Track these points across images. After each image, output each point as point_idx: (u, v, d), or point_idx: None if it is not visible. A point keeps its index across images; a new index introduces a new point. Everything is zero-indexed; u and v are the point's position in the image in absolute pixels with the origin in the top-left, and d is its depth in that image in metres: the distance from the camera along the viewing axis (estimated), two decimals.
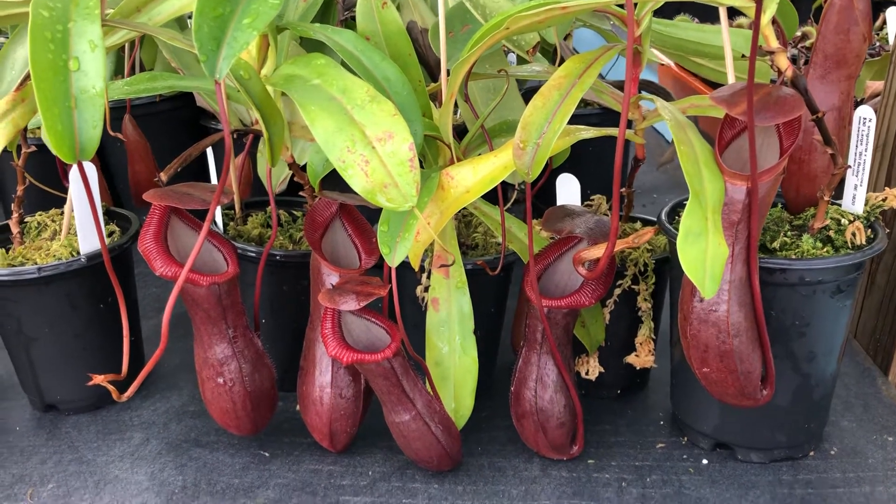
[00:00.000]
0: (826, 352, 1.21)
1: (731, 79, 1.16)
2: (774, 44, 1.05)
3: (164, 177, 1.12)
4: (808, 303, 1.16)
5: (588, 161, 1.64)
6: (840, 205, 1.27)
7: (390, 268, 1.06)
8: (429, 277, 1.27)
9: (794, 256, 1.17)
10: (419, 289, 1.30)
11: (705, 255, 0.94)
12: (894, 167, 1.52)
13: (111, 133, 1.52)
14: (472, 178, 1.11)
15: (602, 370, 1.34)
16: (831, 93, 1.22)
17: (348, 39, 1.11)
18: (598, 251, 1.08)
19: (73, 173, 1.29)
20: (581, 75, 1.07)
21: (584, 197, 1.38)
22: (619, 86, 1.97)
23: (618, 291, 1.33)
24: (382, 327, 1.12)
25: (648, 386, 1.47)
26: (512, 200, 1.42)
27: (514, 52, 1.60)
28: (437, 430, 1.16)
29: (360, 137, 0.93)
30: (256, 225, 1.39)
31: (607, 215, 1.42)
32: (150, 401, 1.42)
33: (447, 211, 1.11)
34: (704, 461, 1.27)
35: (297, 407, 1.29)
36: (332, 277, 1.17)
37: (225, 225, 1.39)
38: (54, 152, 0.88)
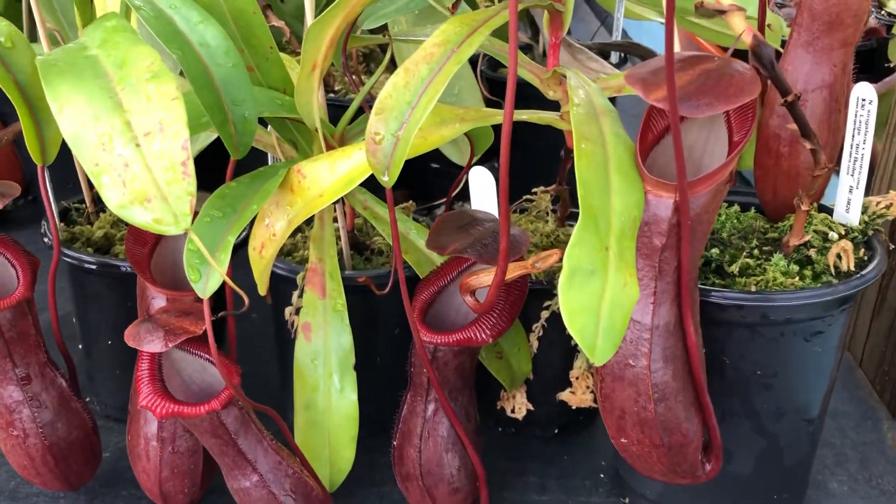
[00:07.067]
0: (800, 408, 0.94)
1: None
2: None
3: None
4: (773, 348, 0.88)
5: (532, 146, 1.34)
6: (832, 212, 0.98)
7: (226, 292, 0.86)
8: (301, 296, 1.06)
9: (754, 287, 0.88)
10: (288, 311, 1.07)
11: (599, 303, 0.67)
12: None
13: None
14: (330, 176, 0.90)
15: (531, 408, 1.12)
16: (820, 65, 0.93)
17: None
18: (489, 277, 0.86)
19: None
20: (461, 43, 0.82)
21: (526, 192, 1.17)
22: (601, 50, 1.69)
23: (546, 315, 1.08)
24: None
25: (595, 423, 1.23)
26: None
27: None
28: (287, 500, 0.95)
29: (123, 130, 0.70)
30: (105, 224, 1.17)
31: (552, 211, 1.17)
32: None
33: (296, 219, 0.92)
34: None
35: None
36: (158, 301, 0.99)
37: (69, 224, 1.18)
38: None
